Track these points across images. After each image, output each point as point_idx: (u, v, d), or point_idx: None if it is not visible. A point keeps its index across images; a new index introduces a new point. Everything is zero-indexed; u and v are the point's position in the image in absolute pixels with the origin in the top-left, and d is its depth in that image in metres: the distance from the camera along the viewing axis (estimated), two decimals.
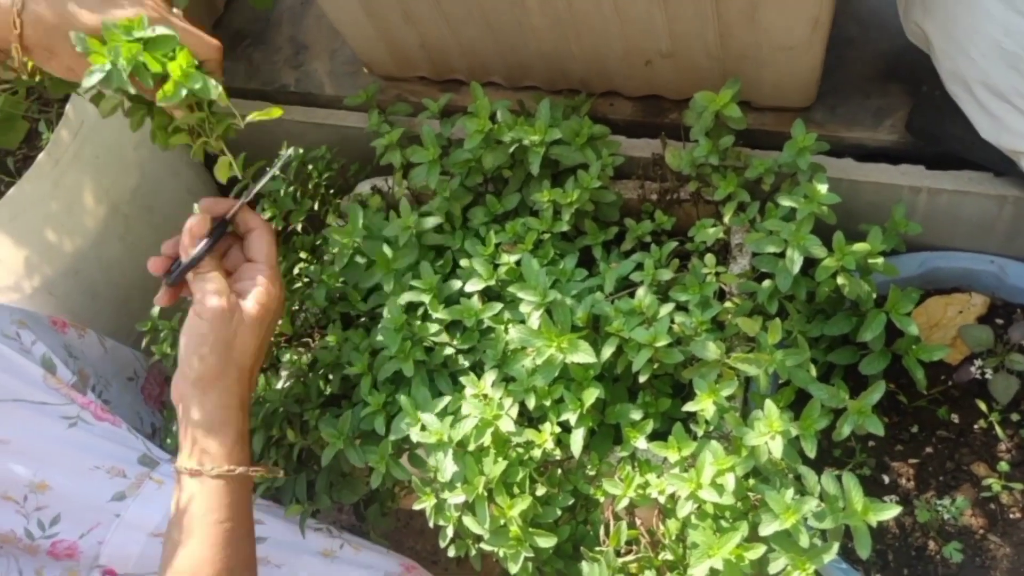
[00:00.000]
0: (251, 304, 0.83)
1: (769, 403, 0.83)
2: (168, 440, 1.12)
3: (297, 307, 1.12)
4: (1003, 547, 0.94)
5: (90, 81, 0.74)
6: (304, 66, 1.39)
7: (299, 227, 1.19)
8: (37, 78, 0.88)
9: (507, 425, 0.87)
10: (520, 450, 0.91)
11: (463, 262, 1.02)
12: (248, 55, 1.43)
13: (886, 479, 1.00)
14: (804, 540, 0.79)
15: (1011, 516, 0.95)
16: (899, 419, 1.03)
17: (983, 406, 0.98)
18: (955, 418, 1.01)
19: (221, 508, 0.79)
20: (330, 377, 1.01)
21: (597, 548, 0.90)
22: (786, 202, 0.92)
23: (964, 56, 0.87)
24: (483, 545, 0.90)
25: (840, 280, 0.92)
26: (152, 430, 1.19)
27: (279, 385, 1.04)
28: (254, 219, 0.88)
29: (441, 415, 0.91)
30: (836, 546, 0.81)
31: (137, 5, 0.77)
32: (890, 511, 0.80)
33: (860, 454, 1.01)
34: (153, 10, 0.78)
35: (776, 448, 0.82)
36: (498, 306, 0.97)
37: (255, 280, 0.85)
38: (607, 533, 0.91)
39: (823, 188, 0.90)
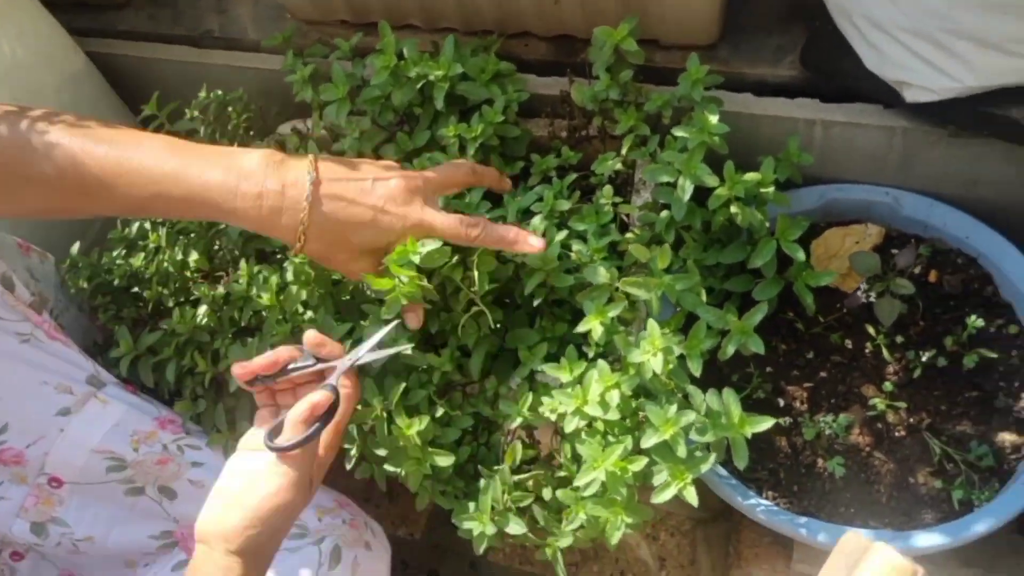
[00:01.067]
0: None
1: (651, 322, 0.87)
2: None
3: (216, 245, 1.14)
4: (887, 463, 0.99)
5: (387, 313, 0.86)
6: (228, 11, 1.39)
7: None
8: None
9: (407, 350, 0.90)
10: (422, 374, 0.94)
11: None
12: (174, 1, 1.43)
13: (781, 402, 1.04)
14: (682, 451, 0.83)
15: (896, 434, 1.00)
16: (796, 346, 1.07)
17: (872, 330, 1.02)
18: (848, 343, 1.05)
19: None
20: (242, 309, 1.03)
21: (495, 467, 0.93)
22: (680, 133, 0.95)
23: None
24: (386, 467, 0.93)
25: (733, 209, 0.96)
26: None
27: (195, 318, 1.06)
28: (349, 383, 0.84)
29: (345, 339, 0.94)
30: (713, 456, 0.85)
31: (401, 216, 0.84)
32: (765, 423, 0.84)
33: (757, 379, 1.04)
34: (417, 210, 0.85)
35: (658, 364, 0.85)
36: None
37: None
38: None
39: (714, 119, 0.93)
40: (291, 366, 0.83)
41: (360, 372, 0.91)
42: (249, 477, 0.79)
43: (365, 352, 0.85)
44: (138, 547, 1.04)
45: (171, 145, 0.80)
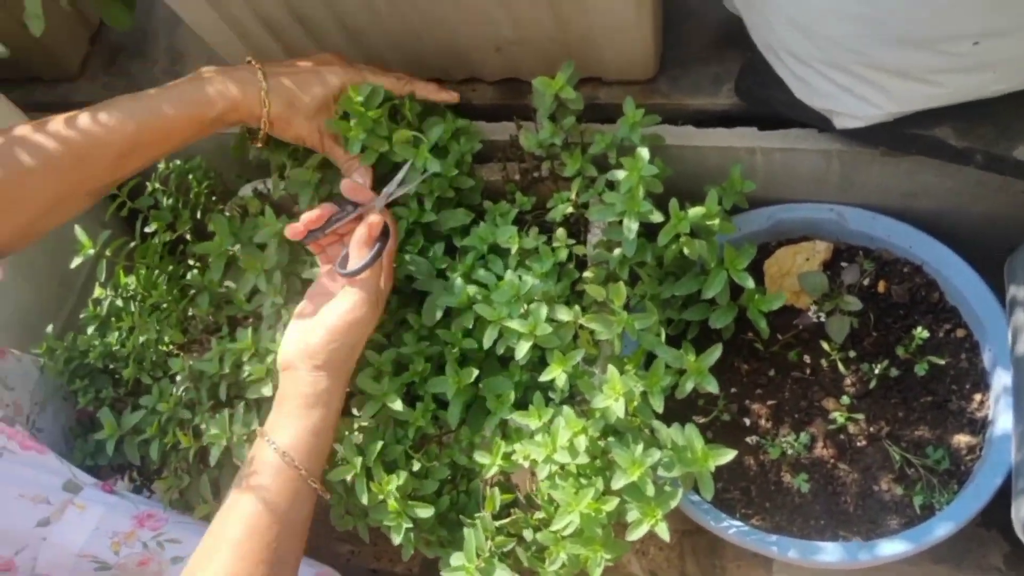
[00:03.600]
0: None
1: (611, 367, 0.90)
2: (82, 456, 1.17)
3: (189, 314, 1.17)
4: (852, 473, 1.03)
5: (355, 150, 1.02)
6: (181, 74, 1.40)
7: (188, 236, 1.23)
8: None
9: (396, 404, 0.93)
10: (397, 430, 0.98)
11: None
12: (126, 68, 1.45)
13: (747, 421, 1.08)
14: (650, 490, 0.87)
15: (857, 444, 1.04)
16: (758, 365, 1.11)
17: (827, 346, 1.06)
18: (807, 359, 1.09)
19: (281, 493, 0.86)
20: (218, 384, 1.06)
21: (476, 514, 0.97)
22: (618, 174, 0.98)
23: (768, 27, 0.94)
24: (369, 520, 0.97)
25: (682, 242, 0.99)
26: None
27: (174, 392, 1.09)
28: (389, 219, 0.99)
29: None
30: (680, 492, 0.89)
31: (340, 75, 1.03)
32: (727, 455, 0.88)
33: (722, 400, 1.08)
34: (355, 74, 1.04)
35: (619, 409, 0.89)
36: None
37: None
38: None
39: (645, 158, 0.96)
40: (333, 217, 0.97)
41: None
42: (326, 300, 0.93)
43: (394, 188, 1.01)
44: None
45: (134, 99, 0.97)
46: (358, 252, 0.94)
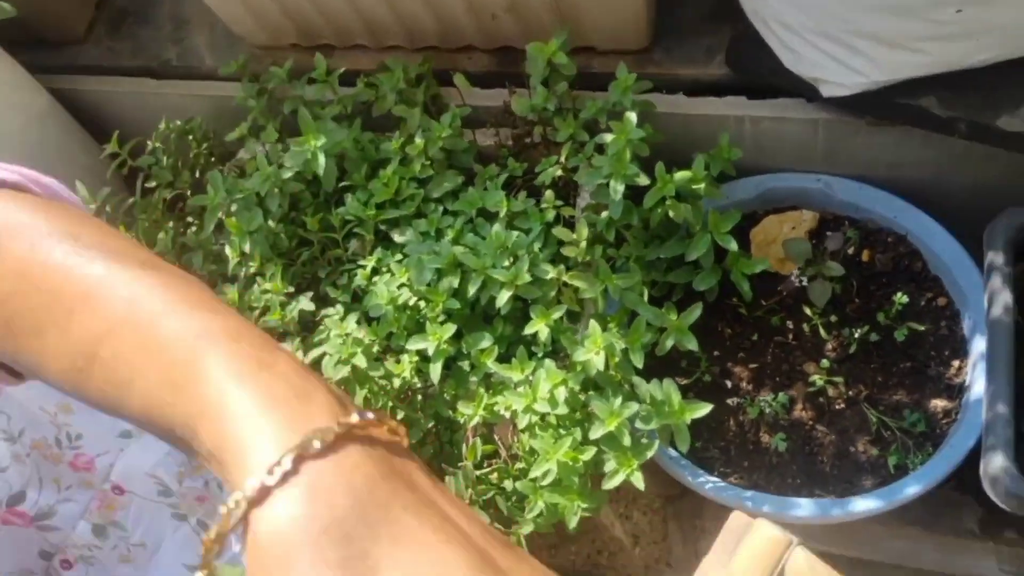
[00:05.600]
0: None
1: (593, 322, 0.92)
2: None
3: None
4: (829, 435, 1.05)
5: None
6: (185, 40, 1.44)
7: (188, 194, 1.26)
8: None
9: (361, 362, 0.95)
10: (382, 381, 1.00)
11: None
12: (132, 33, 1.48)
13: (728, 383, 1.10)
14: (627, 440, 0.89)
15: (836, 407, 1.06)
16: (741, 329, 1.13)
17: (809, 311, 1.08)
18: (789, 324, 1.11)
19: None
20: None
21: (459, 464, 0.99)
22: (606, 137, 1.00)
23: None
24: None
25: (668, 206, 1.01)
26: None
27: None
28: None
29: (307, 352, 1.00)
30: (657, 443, 0.91)
31: None
32: (703, 409, 0.90)
33: (704, 363, 1.10)
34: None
35: (600, 362, 0.91)
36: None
37: None
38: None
39: (633, 122, 0.98)
40: None
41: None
42: None
43: None
44: (176, 573, 1.10)
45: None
46: None
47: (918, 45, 0.89)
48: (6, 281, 0.46)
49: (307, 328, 1.08)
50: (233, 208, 1.12)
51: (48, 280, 0.45)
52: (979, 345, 1.00)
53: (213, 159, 1.27)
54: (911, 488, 0.95)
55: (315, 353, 0.99)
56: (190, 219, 1.24)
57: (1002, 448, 0.82)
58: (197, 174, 1.24)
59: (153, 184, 1.22)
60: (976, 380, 0.99)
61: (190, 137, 1.26)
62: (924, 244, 1.09)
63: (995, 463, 0.82)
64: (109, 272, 0.45)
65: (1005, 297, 0.90)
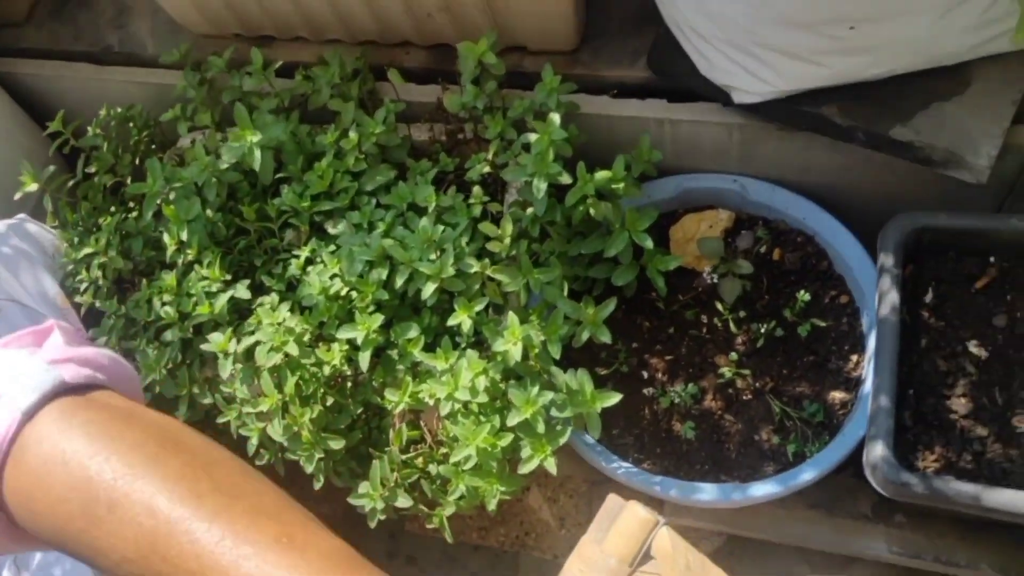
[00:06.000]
0: None
1: (511, 314, 0.98)
2: None
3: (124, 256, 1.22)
4: (736, 424, 1.11)
5: None
6: (127, 27, 1.45)
7: (129, 181, 1.28)
8: None
9: (293, 350, 0.99)
10: (313, 368, 1.04)
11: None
12: (73, 16, 1.49)
13: (645, 374, 1.16)
14: (541, 427, 0.95)
15: (743, 398, 1.12)
16: (658, 322, 1.19)
17: (721, 307, 1.14)
18: (703, 318, 1.17)
19: None
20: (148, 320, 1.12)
21: (385, 448, 1.04)
22: (530, 137, 1.05)
23: (672, 3, 1.00)
24: (287, 454, 1.04)
25: (588, 204, 1.06)
26: None
27: (107, 329, 1.14)
28: None
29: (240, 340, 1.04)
30: (569, 430, 0.96)
31: None
32: (613, 398, 0.96)
33: (623, 354, 1.16)
34: None
35: (518, 353, 0.96)
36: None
37: None
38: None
39: (556, 123, 1.03)
40: None
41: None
42: None
43: None
44: None
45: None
46: None
47: (818, 58, 0.95)
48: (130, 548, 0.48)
49: (243, 315, 1.12)
50: (172, 196, 1.15)
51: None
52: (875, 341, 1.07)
53: (154, 146, 1.29)
54: (806, 474, 1.01)
55: (248, 341, 1.03)
56: (132, 204, 1.26)
57: (883, 438, 0.89)
58: (137, 161, 1.26)
59: (94, 169, 1.25)
60: (871, 373, 1.06)
61: (131, 124, 1.28)
62: (830, 245, 1.15)
63: (875, 452, 0.89)
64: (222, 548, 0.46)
65: (893, 297, 0.97)
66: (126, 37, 1.44)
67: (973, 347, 0.98)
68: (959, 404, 0.96)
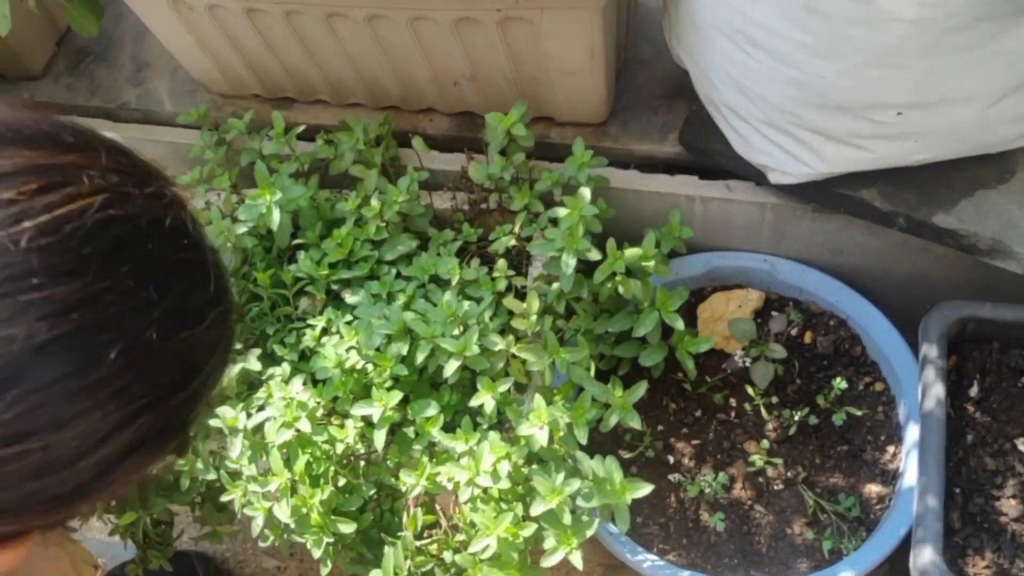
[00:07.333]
0: None
1: (538, 396, 0.93)
2: None
3: None
4: (767, 515, 1.06)
5: None
6: (145, 84, 1.43)
7: None
8: None
9: (305, 426, 0.95)
10: (325, 445, 0.99)
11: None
12: (91, 72, 1.47)
13: (671, 459, 1.11)
14: (567, 518, 0.89)
15: (775, 488, 1.07)
16: (685, 404, 1.14)
17: (751, 391, 1.10)
18: (732, 402, 1.13)
19: None
20: None
21: (399, 533, 0.98)
22: (560, 211, 1.02)
23: (709, 82, 0.98)
24: (293, 535, 0.98)
25: (617, 281, 1.03)
26: None
27: None
28: None
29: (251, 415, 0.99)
30: (596, 522, 0.91)
31: None
32: (644, 489, 0.91)
33: (648, 437, 1.11)
34: None
35: (543, 438, 0.91)
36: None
37: None
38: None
39: (586, 198, 1.00)
40: None
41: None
42: None
43: None
44: None
45: None
46: None
47: (861, 142, 0.92)
48: None
49: (252, 386, 1.07)
50: None
51: None
52: (913, 433, 1.03)
53: None
54: (845, 574, 0.96)
55: (258, 418, 0.98)
56: None
57: (931, 542, 0.84)
58: None
59: None
60: (910, 467, 1.01)
61: None
62: (863, 329, 1.12)
63: (924, 557, 0.84)
64: None
65: (938, 390, 0.93)
66: (144, 94, 1.42)
67: (1022, 444, 0.93)
68: (1009, 506, 0.91)
